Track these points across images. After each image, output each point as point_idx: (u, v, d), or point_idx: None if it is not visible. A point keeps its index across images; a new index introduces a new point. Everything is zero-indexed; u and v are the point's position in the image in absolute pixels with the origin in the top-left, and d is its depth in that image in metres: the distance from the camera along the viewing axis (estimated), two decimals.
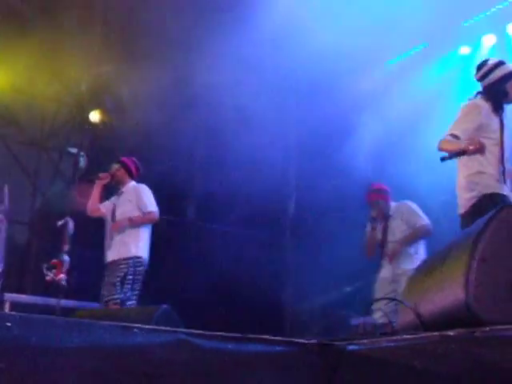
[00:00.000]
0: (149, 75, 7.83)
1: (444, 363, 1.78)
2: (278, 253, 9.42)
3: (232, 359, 1.94)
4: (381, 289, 6.23)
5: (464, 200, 4.63)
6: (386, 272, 6.31)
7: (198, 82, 8.39)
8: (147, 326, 1.91)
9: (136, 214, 6.30)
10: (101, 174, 6.62)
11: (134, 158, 6.77)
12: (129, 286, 6.03)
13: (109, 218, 6.49)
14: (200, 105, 8.68)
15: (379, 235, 6.42)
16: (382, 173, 7.89)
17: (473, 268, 2.00)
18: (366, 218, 6.61)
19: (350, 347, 2.07)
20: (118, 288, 5.99)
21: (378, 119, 8.66)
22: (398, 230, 6.31)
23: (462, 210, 4.63)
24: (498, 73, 4.65)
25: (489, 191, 4.49)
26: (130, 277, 6.05)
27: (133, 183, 6.59)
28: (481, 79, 4.78)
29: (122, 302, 5.98)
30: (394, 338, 2.08)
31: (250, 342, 1.95)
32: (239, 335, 1.95)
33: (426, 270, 2.50)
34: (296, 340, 2.04)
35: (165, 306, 4.59)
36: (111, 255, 6.25)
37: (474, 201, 4.53)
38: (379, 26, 7.77)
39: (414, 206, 6.39)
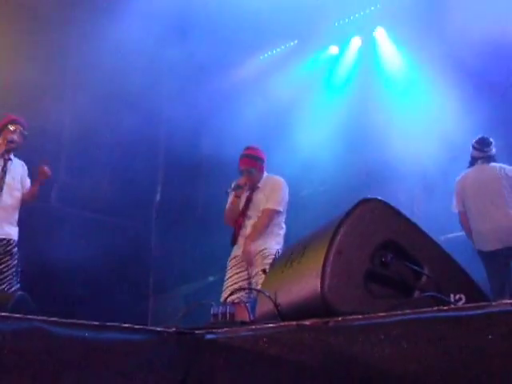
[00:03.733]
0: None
1: (299, 351, 1.83)
2: (142, 240, 9.32)
3: (89, 347, 1.89)
4: (232, 267, 5.75)
5: None
6: (238, 249, 5.79)
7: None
8: None
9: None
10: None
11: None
12: None
13: None
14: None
15: (241, 205, 5.84)
16: None
17: (329, 260, 2.08)
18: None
19: (209, 336, 2.08)
20: None
21: (250, 110, 8.79)
22: (261, 204, 5.79)
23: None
24: None
25: None
26: None
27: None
28: (492, 149, 6.27)
29: None
30: (252, 327, 2.10)
31: (107, 330, 1.91)
32: (96, 323, 1.90)
33: (285, 260, 2.55)
34: (153, 328, 2.02)
35: (21, 292, 4.41)
36: None
37: None
38: (255, 21, 7.87)
39: (280, 183, 5.88)
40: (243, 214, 5.85)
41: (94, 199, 8.61)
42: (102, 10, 7.98)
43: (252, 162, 5.82)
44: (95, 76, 8.09)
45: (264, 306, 2.53)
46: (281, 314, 2.31)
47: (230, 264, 5.86)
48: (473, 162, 6.38)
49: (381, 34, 9.25)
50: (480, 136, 6.40)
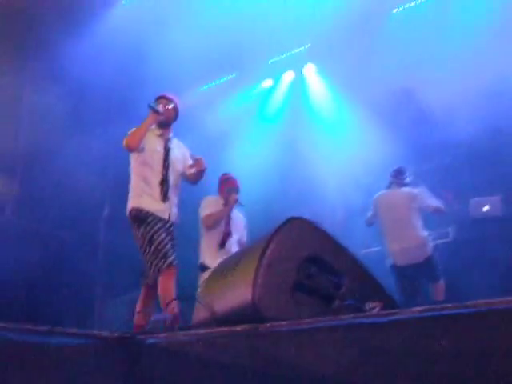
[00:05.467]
0: None
1: (232, 355, 1.83)
2: (89, 247, 9.04)
3: (39, 352, 1.84)
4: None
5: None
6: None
7: None
8: None
9: None
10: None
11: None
12: None
13: None
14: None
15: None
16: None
17: (260, 272, 2.09)
18: None
19: (150, 340, 2.05)
20: None
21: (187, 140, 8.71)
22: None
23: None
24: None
25: None
26: None
27: None
28: (406, 177, 6.45)
29: None
30: (190, 332, 2.09)
31: (54, 335, 1.87)
32: (44, 328, 1.85)
33: (221, 270, 2.55)
34: (98, 333, 1.99)
35: None
36: None
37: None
38: (193, 55, 7.84)
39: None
40: (226, 234, 5.35)
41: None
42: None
43: (236, 183, 5.64)
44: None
45: (201, 313, 2.52)
46: (216, 320, 2.30)
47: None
48: (389, 185, 6.64)
49: (310, 70, 9.44)
50: (398, 166, 6.69)
